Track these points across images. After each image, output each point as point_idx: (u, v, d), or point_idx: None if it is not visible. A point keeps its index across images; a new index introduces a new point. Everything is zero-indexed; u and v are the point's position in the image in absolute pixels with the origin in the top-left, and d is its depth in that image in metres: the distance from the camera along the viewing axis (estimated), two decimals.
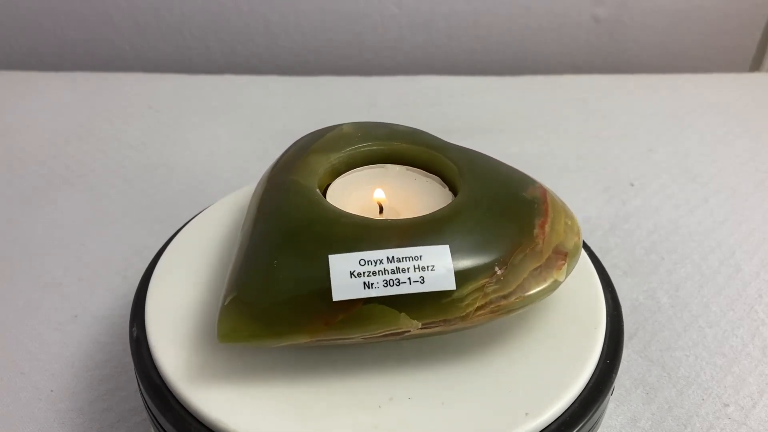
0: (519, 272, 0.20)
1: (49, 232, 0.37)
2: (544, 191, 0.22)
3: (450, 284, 0.19)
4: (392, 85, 0.55)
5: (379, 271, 0.19)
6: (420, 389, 0.20)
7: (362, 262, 0.19)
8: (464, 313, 0.19)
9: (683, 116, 0.50)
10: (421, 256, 0.19)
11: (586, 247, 0.26)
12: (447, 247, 0.19)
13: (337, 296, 0.19)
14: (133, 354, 0.21)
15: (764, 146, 0.46)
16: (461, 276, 0.19)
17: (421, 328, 0.19)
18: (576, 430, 0.19)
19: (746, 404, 0.27)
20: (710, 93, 0.54)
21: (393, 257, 0.19)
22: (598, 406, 0.20)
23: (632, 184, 0.42)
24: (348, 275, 0.19)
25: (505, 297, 0.19)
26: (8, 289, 0.33)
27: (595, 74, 0.59)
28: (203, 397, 0.19)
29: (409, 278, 0.19)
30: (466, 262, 0.19)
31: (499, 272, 0.19)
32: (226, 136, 0.47)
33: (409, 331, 0.19)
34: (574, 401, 0.20)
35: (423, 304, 0.19)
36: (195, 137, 0.47)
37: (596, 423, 0.21)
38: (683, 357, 0.29)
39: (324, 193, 0.23)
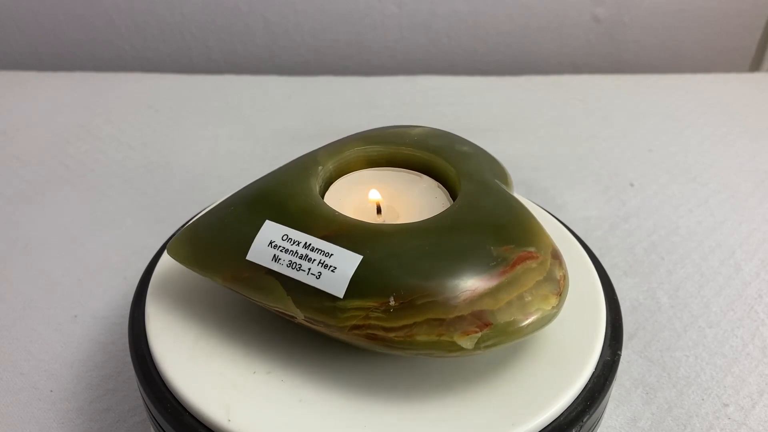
0: (413, 314, 0.18)
1: (49, 232, 0.37)
2: (523, 258, 0.19)
3: (339, 291, 0.19)
4: (392, 85, 0.55)
5: (291, 251, 0.20)
6: (420, 389, 0.20)
7: (284, 237, 0.20)
8: (341, 325, 0.19)
9: (683, 116, 0.50)
10: (332, 255, 0.20)
11: (586, 247, 0.26)
12: (360, 258, 0.19)
13: (249, 256, 0.20)
14: (132, 354, 0.21)
15: (764, 146, 0.46)
16: (356, 289, 0.19)
17: (305, 320, 0.20)
18: (576, 430, 0.19)
19: (746, 404, 0.27)
20: (710, 93, 0.54)
21: (309, 245, 0.20)
22: (598, 406, 0.20)
23: (632, 184, 0.42)
24: (267, 243, 0.20)
25: (386, 329, 0.18)
26: (8, 289, 0.33)
27: (595, 74, 0.59)
28: (203, 398, 0.19)
29: (310, 269, 0.19)
30: (371, 280, 0.19)
31: (392, 303, 0.18)
32: (226, 136, 0.47)
33: (296, 318, 0.20)
34: (574, 401, 0.20)
35: (308, 298, 0.19)
36: (195, 137, 0.47)
37: (596, 423, 0.21)
38: (683, 357, 0.29)
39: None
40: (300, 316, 0.19)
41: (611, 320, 0.23)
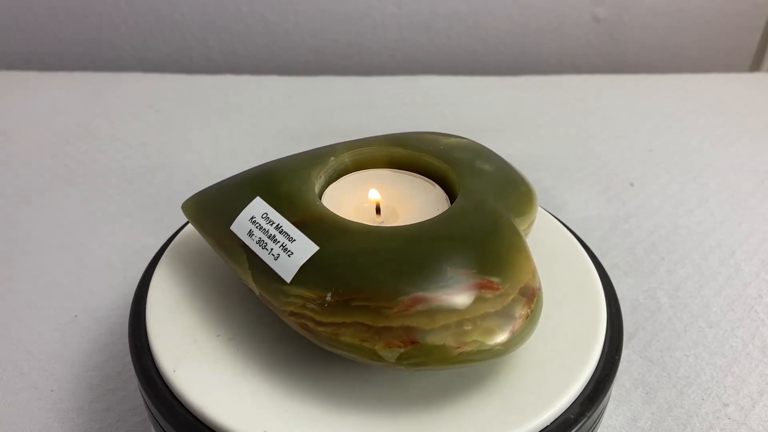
0: (344, 314, 0.18)
1: (49, 232, 0.37)
2: (479, 285, 0.18)
3: (287, 276, 0.19)
4: (392, 85, 0.55)
5: (264, 229, 0.21)
6: (419, 389, 0.20)
7: (263, 215, 0.21)
8: (282, 308, 0.19)
9: (683, 116, 0.50)
10: (294, 241, 0.20)
11: (586, 247, 0.26)
12: (316, 249, 0.20)
13: (232, 226, 0.22)
14: (132, 354, 0.21)
15: (764, 146, 0.46)
16: (302, 278, 0.19)
17: (259, 297, 0.20)
18: (576, 430, 0.19)
19: (746, 404, 0.27)
20: (710, 93, 0.54)
21: (280, 227, 0.21)
22: (598, 406, 0.20)
23: (632, 184, 0.42)
24: (249, 218, 0.21)
25: (316, 323, 0.18)
26: (8, 289, 0.33)
27: (595, 74, 0.59)
28: (204, 398, 0.19)
29: (272, 249, 0.20)
30: (317, 272, 0.19)
31: (328, 298, 0.18)
32: (226, 136, 0.47)
33: (255, 293, 0.20)
34: (574, 401, 0.20)
35: (263, 277, 0.20)
36: (195, 137, 0.47)
37: (596, 423, 0.21)
38: (683, 357, 0.29)
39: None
40: (257, 291, 0.20)
41: (611, 320, 0.23)
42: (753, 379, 0.28)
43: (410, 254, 0.19)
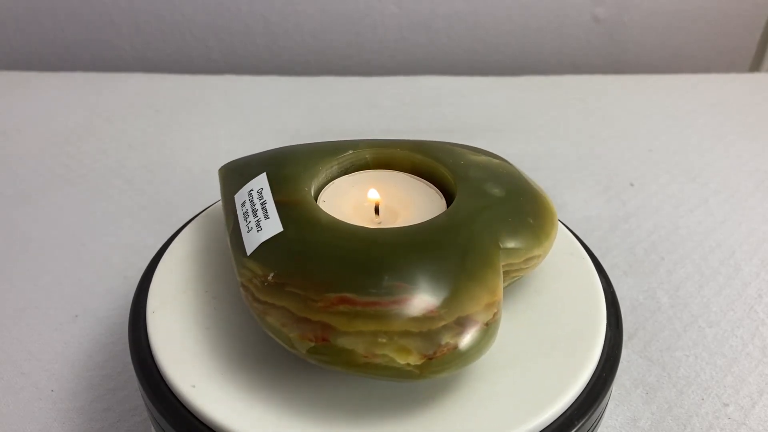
0: (276, 297, 0.19)
1: (49, 232, 0.37)
2: (408, 302, 0.18)
3: (249, 249, 0.20)
4: (392, 85, 0.55)
5: (253, 204, 0.22)
6: (419, 391, 0.20)
7: (259, 191, 0.23)
8: (238, 279, 0.20)
9: (683, 116, 0.50)
10: (268, 218, 0.21)
11: (586, 247, 0.26)
12: (280, 230, 0.20)
13: (235, 195, 0.23)
14: (132, 354, 0.21)
15: (764, 146, 0.46)
16: (258, 254, 0.20)
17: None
18: (576, 430, 0.19)
19: (746, 404, 0.27)
20: (710, 93, 0.54)
21: (264, 204, 0.22)
22: (598, 406, 0.20)
23: (632, 184, 0.42)
24: (249, 190, 0.23)
25: (254, 299, 0.19)
26: (8, 289, 0.33)
27: (595, 74, 0.59)
28: (204, 397, 0.19)
29: (249, 222, 0.21)
30: (271, 252, 0.20)
31: (270, 278, 0.19)
32: (226, 136, 0.47)
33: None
34: (574, 401, 0.20)
35: (235, 245, 0.21)
36: (195, 137, 0.47)
37: (596, 423, 0.21)
38: (683, 357, 0.29)
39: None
40: (232, 259, 0.21)
41: (611, 320, 0.23)
42: (753, 379, 0.28)
43: (357, 255, 0.19)
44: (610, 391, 0.21)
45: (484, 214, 0.21)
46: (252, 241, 0.21)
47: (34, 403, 0.27)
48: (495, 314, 0.19)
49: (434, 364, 0.17)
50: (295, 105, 0.52)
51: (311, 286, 0.18)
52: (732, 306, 0.32)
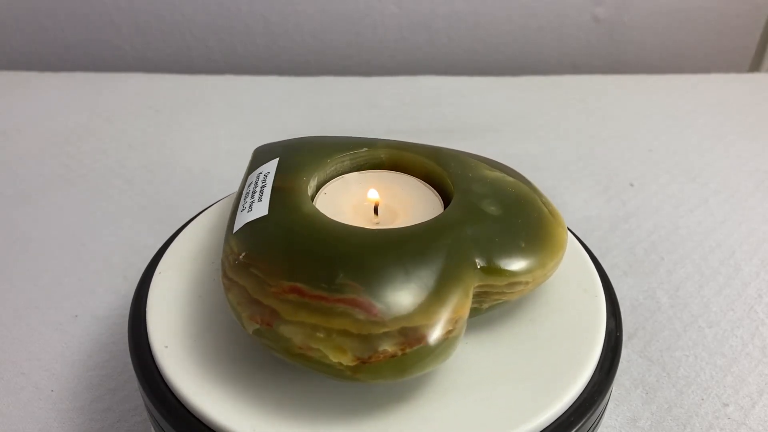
0: (239, 276, 0.19)
1: (49, 232, 0.37)
2: (354, 303, 0.18)
3: (236, 227, 0.21)
4: (392, 85, 0.55)
5: (256, 185, 0.23)
6: (418, 388, 0.20)
7: (266, 174, 0.23)
8: (221, 256, 0.21)
9: (683, 116, 0.50)
10: (260, 201, 0.22)
11: (586, 247, 0.26)
12: (265, 213, 0.21)
13: (249, 175, 0.24)
14: (132, 354, 0.21)
15: (764, 146, 0.46)
16: (240, 234, 0.21)
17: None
18: (576, 430, 0.19)
19: (746, 404, 0.27)
20: (710, 93, 0.54)
21: (263, 187, 0.23)
22: (598, 406, 0.20)
23: (632, 184, 0.42)
24: (259, 173, 0.24)
25: (224, 275, 0.20)
26: (8, 289, 0.33)
27: (595, 74, 0.60)
28: (204, 397, 0.19)
29: (245, 202, 0.22)
30: (250, 233, 0.20)
31: (241, 258, 0.20)
32: (226, 136, 0.47)
33: None
34: (574, 401, 0.20)
35: (229, 223, 0.22)
36: (195, 137, 0.47)
37: (596, 423, 0.21)
38: (683, 357, 0.29)
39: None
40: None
41: (611, 320, 0.23)
42: (753, 379, 0.28)
43: (319, 248, 0.19)
44: (610, 391, 0.21)
45: (466, 229, 0.20)
46: (241, 220, 0.21)
47: (34, 403, 0.27)
48: (449, 332, 0.18)
49: (368, 369, 0.17)
50: (295, 105, 0.52)
51: (270, 271, 0.19)
52: (732, 306, 0.32)
